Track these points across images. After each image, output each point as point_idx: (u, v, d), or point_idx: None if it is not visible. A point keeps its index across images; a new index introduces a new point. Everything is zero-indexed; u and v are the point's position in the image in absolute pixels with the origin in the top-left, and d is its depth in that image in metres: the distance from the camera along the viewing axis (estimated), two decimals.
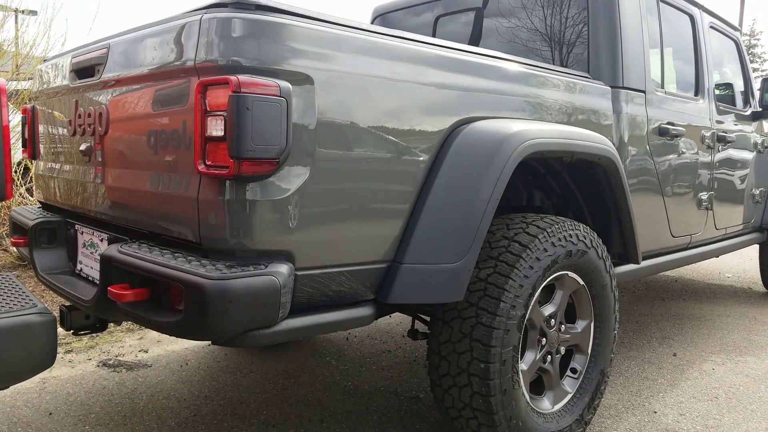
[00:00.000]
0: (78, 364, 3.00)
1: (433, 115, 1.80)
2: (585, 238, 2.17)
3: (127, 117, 1.77)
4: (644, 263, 2.81)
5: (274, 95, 1.37)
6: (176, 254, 1.51)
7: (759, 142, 4.00)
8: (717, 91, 3.70)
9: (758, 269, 4.69)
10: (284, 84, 1.40)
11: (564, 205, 2.59)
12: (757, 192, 4.04)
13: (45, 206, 2.48)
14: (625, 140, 2.62)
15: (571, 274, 2.17)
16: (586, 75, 2.58)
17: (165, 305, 1.51)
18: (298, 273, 1.50)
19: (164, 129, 1.59)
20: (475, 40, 3.13)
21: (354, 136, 1.60)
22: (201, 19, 1.44)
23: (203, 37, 1.43)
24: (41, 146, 2.45)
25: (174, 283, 1.38)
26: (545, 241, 2.01)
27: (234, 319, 1.35)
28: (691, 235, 3.22)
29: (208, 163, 1.41)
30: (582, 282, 2.23)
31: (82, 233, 2.09)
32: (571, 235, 2.11)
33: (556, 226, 2.07)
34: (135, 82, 1.71)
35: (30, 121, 2.49)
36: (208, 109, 1.39)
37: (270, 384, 2.77)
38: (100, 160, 1.91)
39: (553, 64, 2.80)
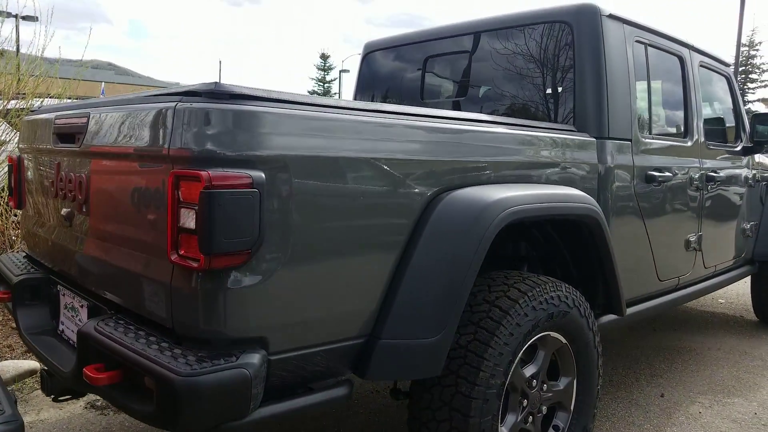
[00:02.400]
0: (66, 406, 3.00)
1: (409, 188, 1.81)
2: (567, 298, 2.17)
3: (105, 190, 1.78)
4: (630, 310, 2.81)
5: (246, 188, 1.38)
6: (151, 338, 1.51)
7: (750, 176, 4.00)
8: (708, 127, 3.70)
9: (751, 294, 4.69)
10: (257, 174, 1.41)
11: (549, 254, 2.60)
12: (748, 226, 4.04)
13: (30, 257, 2.48)
14: (611, 191, 2.62)
15: (553, 334, 2.18)
16: (571, 128, 2.58)
17: (140, 388, 1.52)
18: (273, 358, 1.51)
19: (140, 209, 1.60)
20: (462, 85, 3.14)
21: (329, 217, 1.61)
22: (175, 107, 1.45)
23: (177, 126, 1.43)
24: (27, 197, 2.46)
25: (146, 374, 1.39)
26: (526, 305, 2.01)
27: (204, 413, 1.35)
28: (679, 276, 3.23)
29: (181, 252, 1.42)
30: (564, 341, 2.23)
31: (63, 294, 2.09)
32: (552, 297, 2.11)
33: (537, 289, 2.07)
34: (113, 158, 1.71)
35: (16, 170, 2.50)
36: (181, 200, 1.40)
37: None
38: (80, 227, 1.92)
39: (539, 114, 2.81)
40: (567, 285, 2.21)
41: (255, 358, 1.42)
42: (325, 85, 40.67)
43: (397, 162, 1.78)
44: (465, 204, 1.87)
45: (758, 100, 16.65)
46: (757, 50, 15.68)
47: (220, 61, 60.71)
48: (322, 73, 40.71)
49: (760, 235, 4.26)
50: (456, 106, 3.19)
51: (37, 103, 5.53)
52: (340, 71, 38.97)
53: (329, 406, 1.67)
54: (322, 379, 1.66)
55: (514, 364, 1.99)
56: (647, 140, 2.87)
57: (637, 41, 2.89)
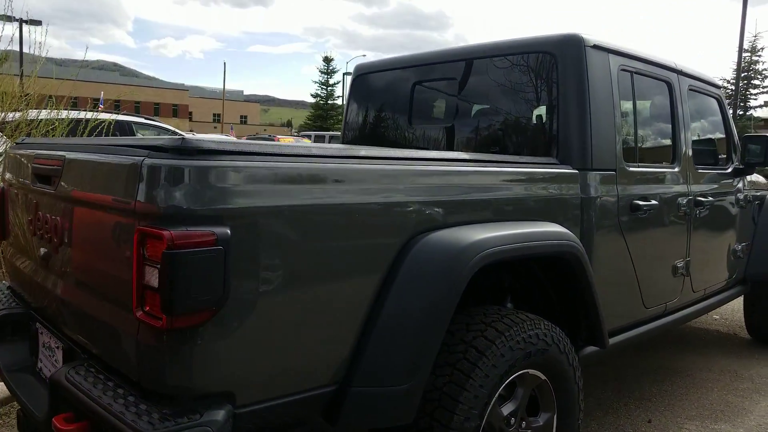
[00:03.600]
0: None
1: (382, 234, 1.81)
2: (546, 336, 2.17)
3: (78, 237, 1.79)
4: (614, 339, 2.80)
5: (210, 245, 1.38)
6: (119, 390, 1.52)
7: (741, 197, 3.99)
8: (698, 150, 3.70)
9: (744, 313, 4.68)
10: (222, 231, 1.41)
11: (532, 287, 2.59)
12: (740, 247, 4.02)
13: (12, 289, 2.50)
14: (595, 223, 2.61)
15: (532, 371, 2.17)
16: (553, 161, 2.58)
17: None
18: (240, 411, 1.51)
19: (110, 260, 1.61)
20: (448, 112, 3.14)
21: (298, 267, 1.61)
22: (142, 163, 1.45)
23: (143, 182, 1.44)
24: (11, 229, 2.47)
25: (111, 430, 1.40)
26: (503, 345, 2.01)
27: None
28: (666, 303, 3.22)
29: (146, 309, 1.42)
30: (544, 377, 2.23)
31: (42, 333, 2.11)
32: (530, 336, 2.11)
33: (515, 329, 2.07)
34: (85, 206, 1.72)
35: (0, 201, 2.51)
36: (146, 257, 1.41)
37: None
38: (56, 269, 1.93)
39: (522, 144, 2.81)
40: (546, 322, 2.21)
41: (219, 415, 1.43)
42: (329, 88, 40.71)
43: (369, 207, 1.78)
44: (439, 248, 1.87)
45: (763, 105, 16.59)
46: (760, 56, 15.64)
47: (224, 63, 60.92)
48: (326, 76, 40.75)
49: (752, 254, 4.24)
50: (441, 133, 3.19)
51: (33, 114, 5.57)
52: (344, 74, 39.00)
53: None
54: (292, 429, 1.67)
55: (491, 405, 1.99)
56: (632, 169, 2.87)
57: (622, 69, 2.89)
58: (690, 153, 3.38)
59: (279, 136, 22.17)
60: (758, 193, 4.40)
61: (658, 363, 4.19)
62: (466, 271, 1.87)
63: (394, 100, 3.47)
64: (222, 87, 58.51)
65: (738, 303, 5.66)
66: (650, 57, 3.13)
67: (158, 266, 1.36)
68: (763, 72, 15.85)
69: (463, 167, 2.13)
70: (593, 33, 2.77)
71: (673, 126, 3.30)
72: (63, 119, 5.45)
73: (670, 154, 3.28)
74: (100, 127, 5.56)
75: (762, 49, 15.90)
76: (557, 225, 2.36)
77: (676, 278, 3.27)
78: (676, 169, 3.25)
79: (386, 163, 1.86)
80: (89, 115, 5.84)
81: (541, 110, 2.78)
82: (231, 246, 1.43)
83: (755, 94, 15.98)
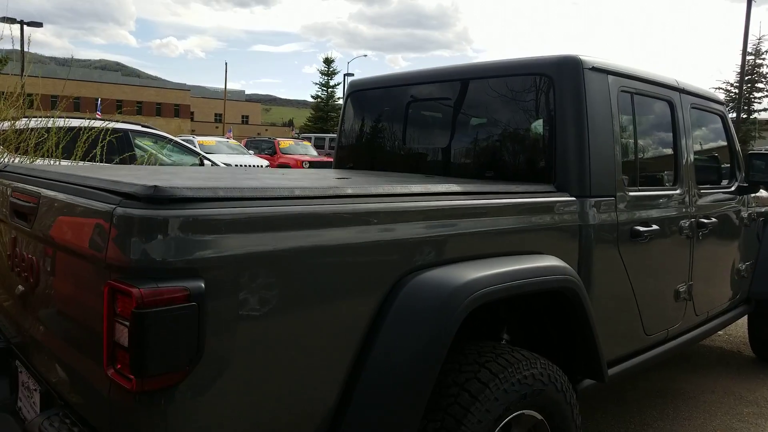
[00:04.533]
0: None
1: (369, 276, 1.73)
2: (542, 375, 2.09)
3: (53, 280, 1.71)
4: (614, 370, 2.73)
5: (183, 302, 1.31)
6: None
7: (745, 216, 3.90)
8: (701, 169, 3.61)
9: (748, 332, 4.59)
10: (195, 285, 1.33)
11: (529, 319, 2.52)
12: (743, 266, 3.94)
13: None
14: (593, 252, 2.53)
15: (528, 411, 2.10)
16: (551, 188, 2.50)
17: None
18: None
19: (83, 309, 1.53)
20: (443, 134, 3.07)
21: (279, 317, 1.53)
22: (113, 212, 1.38)
23: (114, 233, 1.36)
24: None
25: None
26: (497, 389, 1.93)
27: None
28: (668, 329, 3.14)
29: (117, 367, 1.35)
30: (540, 417, 2.15)
31: (21, 372, 2.04)
32: (526, 377, 2.03)
33: (510, 369, 1.99)
34: (60, 249, 1.65)
35: None
36: (116, 312, 1.33)
37: None
38: (32, 309, 1.86)
39: (518, 170, 2.74)
40: (543, 360, 2.13)
41: None
42: (329, 90, 40.59)
43: (354, 249, 1.70)
44: (428, 291, 1.79)
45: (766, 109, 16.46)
46: (764, 59, 15.49)
47: (226, 63, 60.86)
48: (326, 78, 40.63)
49: (756, 272, 4.16)
50: (436, 154, 3.11)
51: (23, 122, 5.49)
52: (345, 75, 38.94)
53: None
54: None
55: None
56: (633, 194, 2.78)
57: (622, 91, 2.81)
58: (692, 173, 3.30)
59: (279, 139, 22.08)
60: (763, 210, 4.32)
61: (661, 384, 4.10)
62: (457, 314, 1.79)
63: (389, 118, 3.40)
64: (224, 87, 58.46)
65: (742, 318, 5.58)
66: (651, 76, 3.05)
67: (128, 325, 1.28)
68: (767, 75, 15.74)
69: (455, 201, 2.05)
70: (592, 54, 2.69)
71: (675, 146, 3.21)
72: (58, 127, 5.37)
73: (671, 175, 3.20)
74: (99, 137, 5.48)
75: (766, 51, 15.77)
76: (554, 258, 2.28)
77: (678, 303, 3.19)
78: (678, 191, 3.17)
79: (373, 201, 1.78)
80: (86, 122, 5.77)
81: (539, 134, 2.70)
82: (206, 300, 1.36)
83: (759, 98, 15.85)
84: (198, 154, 8.59)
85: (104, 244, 1.38)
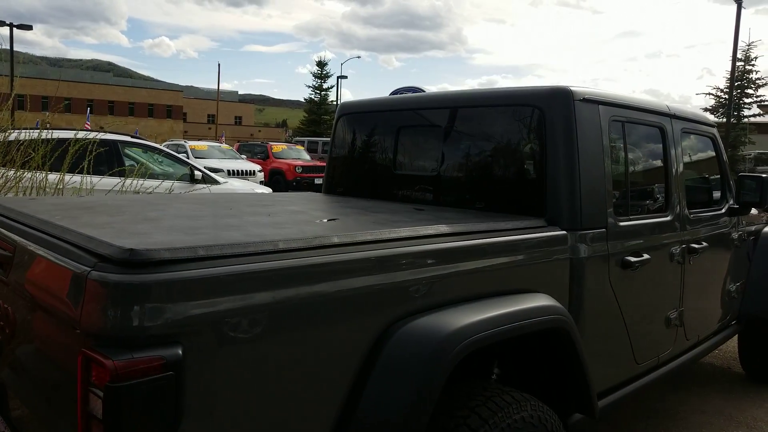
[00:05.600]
0: None
1: (356, 326, 1.70)
2: (533, 418, 2.07)
3: (28, 335, 1.67)
4: (606, 400, 2.71)
5: (159, 372, 1.27)
6: None
7: (735, 237, 3.90)
8: (692, 194, 3.61)
9: (738, 350, 4.60)
10: (172, 353, 1.30)
11: (520, 355, 2.49)
12: (734, 287, 3.94)
13: None
14: (585, 285, 2.52)
15: None
16: (541, 223, 2.48)
17: None
18: None
19: (58, 372, 1.49)
20: (432, 163, 3.04)
21: (262, 379, 1.50)
22: (87, 277, 1.34)
23: (87, 298, 1.33)
24: None
25: None
26: None
27: None
28: (659, 355, 3.13)
29: None
30: None
31: None
32: (516, 420, 2.01)
33: (501, 414, 1.97)
34: (35, 305, 1.61)
35: None
36: (90, 381, 1.30)
37: None
38: (8, 361, 1.81)
39: (508, 203, 2.72)
40: (533, 401, 2.11)
41: None
42: (322, 93, 40.45)
43: (340, 299, 1.67)
44: (418, 340, 1.76)
45: (756, 115, 16.56)
46: (753, 65, 15.58)
47: (219, 64, 60.69)
48: (319, 80, 40.51)
49: (747, 291, 4.16)
50: (425, 183, 3.09)
51: (12, 135, 5.43)
52: (338, 77, 38.82)
53: None
54: None
55: None
56: (624, 224, 2.77)
57: (614, 120, 2.79)
58: (683, 198, 3.29)
59: (272, 144, 21.98)
60: (753, 228, 4.32)
61: (651, 404, 4.09)
62: (447, 363, 1.77)
63: (379, 143, 3.37)
64: (217, 87, 58.22)
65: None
66: (642, 104, 3.04)
67: (102, 397, 1.25)
68: (757, 81, 15.81)
69: (444, 243, 2.02)
70: (583, 86, 2.67)
71: (666, 172, 3.20)
72: (46, 140, 5.31)
73: (662, 202, 3.18)
74: (86, 149, 5.42)
75: (756, 58, 15.86)
76: (546, 297, 2.26)
77: (669, 329, 3.19)
78: (669, 217, 3.16)
79: (359, 249, 1.75)
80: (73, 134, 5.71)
81: (530, 166, 2.68)
82: (184, 367, 1.32)
83: (749, 104, 15.93)
84: (187, 164, 8.53)
85: (78, 307, 1.35)
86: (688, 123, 3.48)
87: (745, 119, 16.03)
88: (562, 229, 2.49)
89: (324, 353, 1.64)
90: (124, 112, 60.07)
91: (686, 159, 3.45)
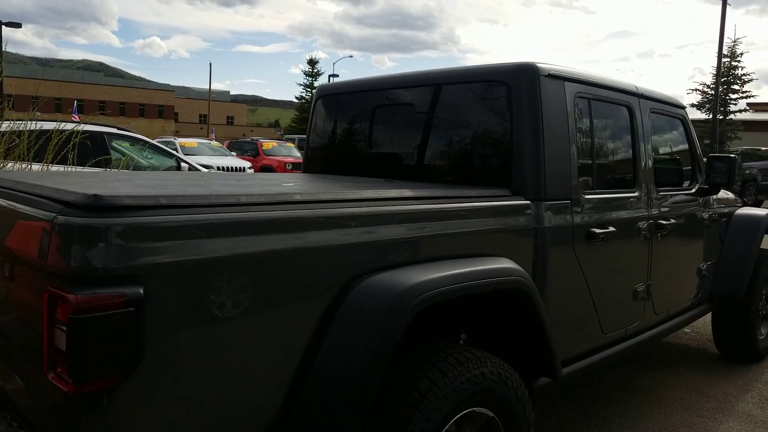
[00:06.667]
0: None
1: (317, 281, 1.78)
2: (492, 374, 2.15)
3: (2, 284, 1.74)
4: (570, 368, 2.80)
5: (120, 307, 1.35)
6: None
7: (706, 217, 4.00)
8: (661, 172, 3.71)
9: (712, 329, 4.70)
10: (134, 291, 1.37)
11: (484, 319, 2.58)
12: (705, 266, 4.04)
13: None
14: (548, 253, 2.60)
15: (479, 409, 2.16)
16: (505, 192, 2.56)
17: None
18: None
19: (29, 314, 1.56)
20: (404, 139, 3.12)
21: (223, 321, 1.58)
22: (53, 221, 1.42)
23: (53, 241, 1.40)
24: None
25: None
26: (446, 387, 1.99)
27: None
28: (627, 327, 3.22)
29: (58, 371, 1.39)
30: (492, 414, 2.21)
31: None
32: (476, 375, 2.09)
33: (460, 368, 2.05)
34: (6, 255, 1.68)
35: None
36: (56, 318, 1.37)
37: None
38: None
39: (475, 174, 2.80)
40: (493, 359, 2.19)
41: None
42: (314, 91, 40.52)
43: (301, 254, 1.75)
44: (376, 293, 1.84)
45: (744, 108, 16.73)
46: (739, 61, 15.74)
47: (210, 64, 60.58)
48: (310, 79, 40.60)
49: (719, 271, 4.27)
50: (398, 159, 3.17)
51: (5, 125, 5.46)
52: (330, 75, 38.91)
53: None
54: None
55: None
56: (589, 197, 2.86)
57: (579, 97, 2.88)
58: (651, 176, 3.38)
59: (262, 141, 22.04)
60: (726, 210, 4.43)
61: (625, 381, 4.19)
62: (404, 316, 1.84)
63: (355, 123, 3.45)
64: (208, 87, 58.13)
65: (709, 317, 5.70)
66: (609, 82, 3.13)
67: (65, 330, 1.32)
68: (743, 77, 15.99)
69: (407, 206, 2.10)
70: (548, 62, 2.76)
71: (634, 150, 3.30)
72: (30, 131, 5.34)
73: (630, 178, 3.28)
74: (70, 140, 5.45)
75: (741, 54, 16.05)
76: (507, 260, 2.34)
77: (637, 302, 3.28)
78: (636, 193, 3.25)
79: (319, 207, 1.83)
80: (65, 125, 5.73)
81: (497, 140, 2.77)
82: (145, 306, 1.40)
83: (735, 99, 16.11)
84: (174, 156, 8.57)
85: (46, 251, 1.42)
86: (657, 103, 3.58)
87: (732, 115, 16.22)
88: (527, 199, 2.58)
89: (286, 304, 1.71)
90: (115, 112, 59.84)
91: (655, 138, 3.54)
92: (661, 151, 3.78)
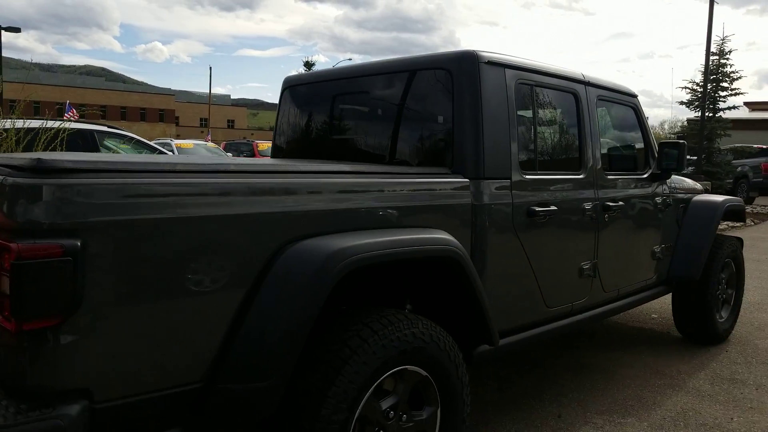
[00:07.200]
0: None
1: (251, 243, 1.96)
2: (423, 335, 2.32)
3: None
4: (511, 339, 2.97)
5: (57, 257, 1.53)
6: None
7: (659, 201, 4.17)
8: (611, 157, 3.89)
9: (672, 312, 4.86)
10: (71, 243, 1.56)
11: (426, 288, 2.75)
12: (659, 249, 4.21)
13: None
14: (487, 228, 2.78)
15: (411, 367, 2.33)
16: (445, 170, 2.75)
17: None
18: (98, 407, 1.66)
19: None
20: (359, 125, 3.31)
21: (157, 277, 1.76)
22: (3, 182, 1.61)
23: (3, 200, 1.59)
24: None
25: None
26: (375, 344, 2.16)
27: None
28: (573, 303, 3.39)
29: (5, 314, 1.57)
30: (425, 373, 2.39)
31: None
32: (406, 335, 2.26)
33: (390, 328, 2.22)
34: None
35: None
36: (3, 266, 1.56)
37: None
38: None
39: (421, 156, 2.98)
40: (425, 321, 2.36)
41: (73, 410, 1.58)
42: None
43: (239, 217, 1.93)
44: (304, 255, 2.02)
45: (734, 105, 16.86)
46: (728, 59, 15.90)
47: (210, 67, 60.87)
48: None
49: (675, 255, 4.43)
50: (355, 145, 3.35)
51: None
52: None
53: None
54: (161, 422, 1.82)
55: (364, 399, 2.14)
56: (529, 177, 3.04)
57: (521, 83, 3.06)
58: (598, 160, 3.56)
59: (258, 142, 22.27)
60: (685, 197, 4.60)
61: (584, 361, 4.36)
62: (330, 277, 2.02)
63: (317, 112, 3.64)
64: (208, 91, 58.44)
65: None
66: (553, 70, 3.31)
67: (9, 275, 1.51)
68: (731, 75, 16.14)
69: (340, 179, 2.28)
70: (490, 50, 2.94)
71: (580, 135, 3.47)
72: (17, 129, 5.52)
73: (576, 161, 3.45)
74: (58, 137, 5.63)
75: (730, 51, 16.20)
76: (441, 231, 2.52)
77: (583, 279, 3.45)
78: (582, 176, 3.43)
79: (253, 177, 2.01)
80: (52, 123, 5.92)
81: (442, 123, 2.95)
82: (82, 256, 1.58)
83: (724, 97, 16.26)
84: (156, 150, 8.74)
85: None
86: (605, 91, 3.75)
87: (720, 112, 16.36)
88: (465, 177, 2.76)
89: (218, 267, 1.89)
90: (117, 117, 60.29)
91: (603, 124, 3.72)
92: (611, 136, 3.96)
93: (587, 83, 3.57)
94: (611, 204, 3.58)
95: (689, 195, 4.66)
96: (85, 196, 1.62)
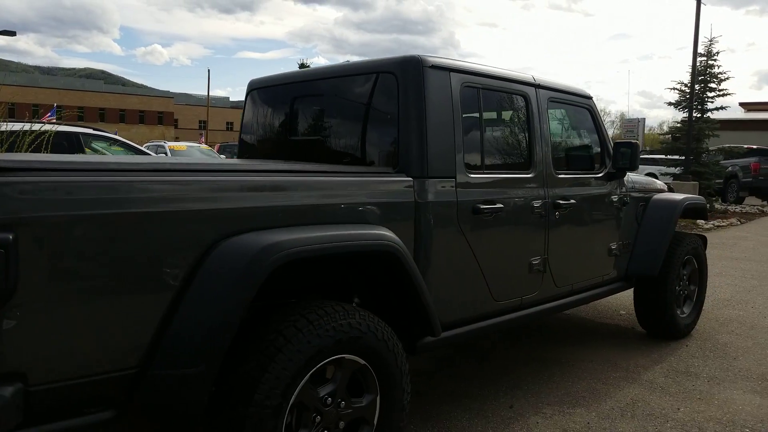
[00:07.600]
0: None
1: (182, 238, 2.09)
2: (360, 325, 2.45)
3: None
4: (461, 329, 3.10)
5: None
6: None
7: (615, 200, 4.30)
8: (563, 157, 4.02)
9: (634, 308, 4.98)
10: (4, 237, 1.68)
11: (369, 283, 2.88)
12: (615, 246, 4.34)
13: None
14: (431, 225, 2.91)
15: (349, 356, 2.46)
16: (388, 170, 2.88)
17: None
18: (33, 389, 1.79)
19: None
20: (311, 127, 3.44)
21: (91, 270, 1.89)
22: None
23: None
24: None
25: None
26: (310, 333, 2.29)
27: None
28: (522, 297, 3.52)
29: None
30: (364, 362, 2.51)
31: None
32: (342, 325, 2.39)
33: (326, 318, 2.35)
34: None
35: None
36: None
37: None
38: None
39: (368, 156, 3.12)
40: (362, 312, 2.49)
41: (6, 391, 1.71)
42: None
43: (174, 213, 2.06)
44: (236, 249, 2.15)
45: (722, 106, 16.97)
46: (716, 60, 16.02)
47: (208, 70, 61.18)
48: None
49: (634, 252, 4.56)
50: (308, 147, 3.49)
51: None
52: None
53: (94, 428, 1.95)
54: (95, 406, 1.95)
55: (299, 386, 2.27)
56: (475, 176, 3.17)
57: (467, 86, 3.19)
58: (549, 159, 3.68)
59: None
60: (646, 195, 4.73)
61: (545, 355, 4.48)
62: (261, 270, 2.14)
63: (277, 113, 3.78)
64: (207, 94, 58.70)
65: None
66: (500, 73, 3.44)
67: None
68: (719, 76, 16.26)
69: (279, 177, 2.42)
70: (434, 54, 3.07)
71: (530, 135, 3.60)
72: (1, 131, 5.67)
73: (525, 161, 3.58)
74: (39, 140, 5.77)
75: (718, 53, 16.33)
76: (381, 228, 2.65)
77: (533, 274, 3.58)
78: (531, 175, 3.55)
79: (188, 175, 2.15)
80: (38, 126, 6.06)
81: (389, 125, 3.08)
82: (17, 249, 1.71)
83: (712, 98, 16.38)
84: (142, 152, 8.89)
85: None
86: (557, 93, 3.89)
87: (709, 113, 16.49)
88: (409, 176, 2.89)
89: (151, 261, 2.02)
90: (116, 119, 60.57)
91: (555, 125, 3.85)
92: (565, 137, 4.09)
93: (537, 86, 3.70)
94: (562, 202, 3.71)
95: (650, 194, 4.79)
96: (18, 193, 1.75)
